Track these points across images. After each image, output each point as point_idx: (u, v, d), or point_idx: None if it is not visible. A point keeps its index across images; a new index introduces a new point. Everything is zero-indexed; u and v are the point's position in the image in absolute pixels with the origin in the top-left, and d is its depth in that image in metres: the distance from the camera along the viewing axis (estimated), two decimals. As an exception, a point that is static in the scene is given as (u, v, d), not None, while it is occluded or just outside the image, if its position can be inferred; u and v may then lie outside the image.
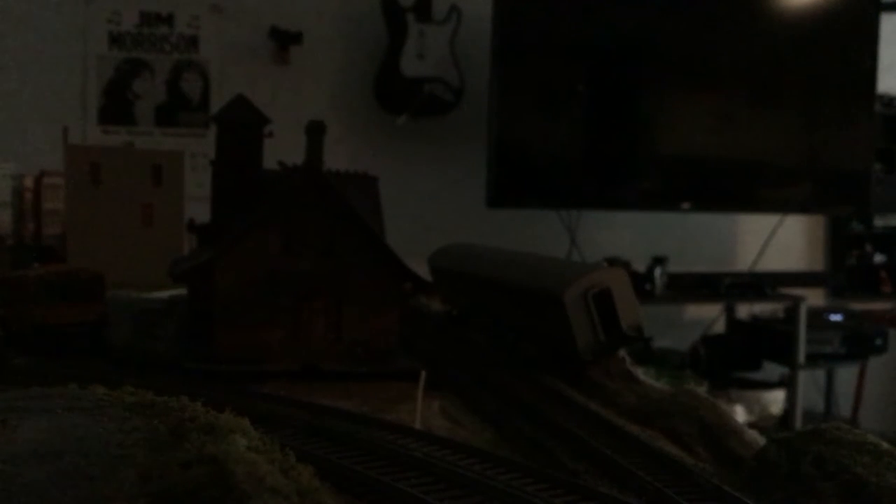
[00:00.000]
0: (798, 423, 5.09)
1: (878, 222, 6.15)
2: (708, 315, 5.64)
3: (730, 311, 5.60)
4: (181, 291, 2.21)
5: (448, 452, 1.22)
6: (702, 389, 1.59)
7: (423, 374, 1.55)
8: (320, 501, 0.88)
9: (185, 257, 2.28)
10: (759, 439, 1.41)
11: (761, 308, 5.60)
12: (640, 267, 4.98)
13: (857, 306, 5.92)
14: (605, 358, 1.81)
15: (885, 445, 1.17)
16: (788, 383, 5.26)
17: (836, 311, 5.70)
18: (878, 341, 5.47)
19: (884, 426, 5.64)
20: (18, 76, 4.95)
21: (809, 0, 5.23)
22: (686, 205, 5.13)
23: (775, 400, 5.27)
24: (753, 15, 5.16)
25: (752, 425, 1.67)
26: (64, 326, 1.83)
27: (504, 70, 4.83)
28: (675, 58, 5.13)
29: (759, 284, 5.32)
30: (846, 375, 5.79)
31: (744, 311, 5.65)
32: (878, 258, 6.19)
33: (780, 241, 5.72)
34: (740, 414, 4.91)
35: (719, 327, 5.63)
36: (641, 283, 4.79)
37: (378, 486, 1.07)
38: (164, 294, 2.49)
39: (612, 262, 4.79)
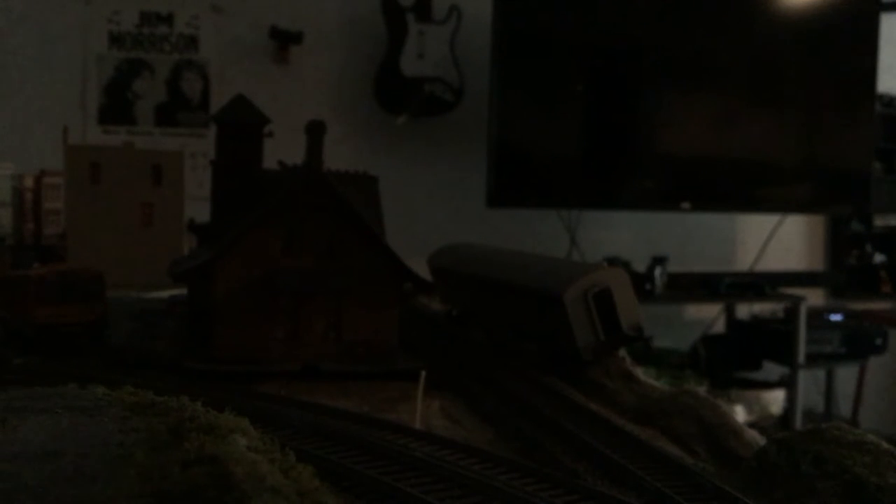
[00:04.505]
0: (798, 423, 5.09)
1: (878, 222, 6.15)
2: (708, 315, 5.64)
3: (730, 311, 5.60)
4: (181, 291, 2.21)
5: (448, 452, 1.22)
6: (702, 389, 1.59)
7: (423, 374, 1.55)
8: (320, 501, 0.88)
9: (185, 257, 2.28)
10: (759, 439, 1.41)
11: (761, 308, 5.60)
12: (640, 267, 4.98)
13: (857, 306, 5.93)
14: (605, 358, 1.81)
15: (885, 445, 1.17)
16: (788, 383, 5.26)
17: (836, 311, 5.71)
18: (878, 341, 5.47)
19: (884, 426, 5.64)
20: (18, 76, 4.95)
21: (809, 0, 5.23)
22: (686, 205, 5.13)
23: (775, 400, 5.27)
24: (753, 15, 5.16)
25: (752, 425, 1.67)
26: (64, 326, 1.83)
27: (504, 70, 4.83)
28: (675, 58, 5.12)
29: (759, 284, 5.31)
30: (846, 375, 5.79)
31: (744, 311, 5.65)
32: (878, 258, 6.19)
33: (780, 241, 5.72)
34: (740, 414, 4.91)
35: (719, 327, 5.63)
36: (641, 283, 4.79)
37: (378, 486, 1.07)
38: (164, 294, 2.49)
39: (612, 262, 4.79)
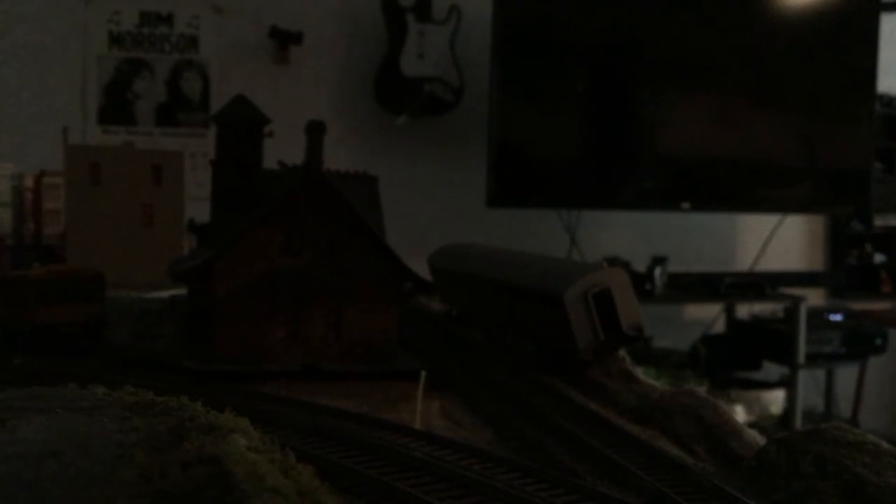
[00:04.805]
0: (798, 423, 5.09)
1: (878, 222, 6.15)
2: (708, 315, 5.64)
3: (730, 311, 5.60)
4: (181, 291, 2.21)
5: (448, 452, 1.22)
6: (702, 389, 1.59)
7: (423, 374, 1.55)
8: (320, 501, 0.88)
9: (185, 257, 2.28)
10: (759, 439, 1.40)
11: (761, 308, 5.60)
12: (640, 267, 4.98)
13: (857, 306, 5.93)
14: (605, 358, 1.81)
15: (885, 445, 1.17)
16: (788, 383, 5.26)
17: (836, 311, 5.71)
18: (878, 341, 5.47)
19: (884, 426, 5.64)
20: (18, 76, 4.95)
21: (809, 0, 5.23)
22: (686, 205, 5.13)
23: (775, 400, 5.27)
24: (753, 15, 5.16)
25: (752, 425, 1.67)
26: (64, 326, 1.83)
27: (504, 70, 4.83)
28: (675, 58, 5.13)
29: (759, 284, 5.32)
30: (846, 375, 5.79)
31: (744, 311, 5.65)
32: (878, 258, 6.19)
33: (780, 241, 5.72)
34: (740, 414, 4.91)
35: (719, 327, 5.64)
36: (641, 283, 4.79)
37: (378, 486, 1.07)
38: (164, 294, 2.49)
39: (612, 262, 4.79)
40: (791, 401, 5.21)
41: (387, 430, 1.32)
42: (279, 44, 5.14)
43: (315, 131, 1.76)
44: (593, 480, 1.18)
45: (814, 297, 5.73)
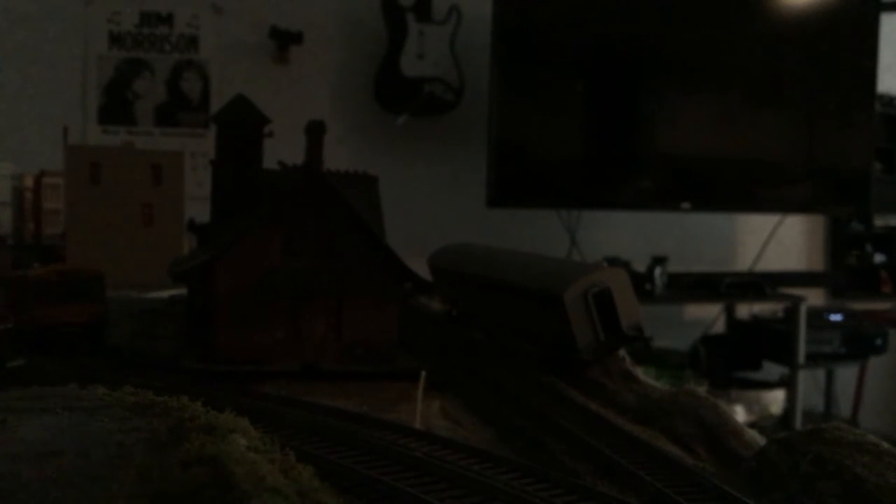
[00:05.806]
0: (798, 423, 5.09)
1: (878, 222, 6.15)
2: (708, 315, 5.64)
3: (730, 311, 5.60)
4: (181, 291, 2.21)
5: (448, 452, 1.22)
6: (702, 389, 1.59)
7: (423, 374, 1.55)
8: (320, 501, 0.88)
9: (185, 257, 2.27)
10: (759, 439, 1.40)
11: (761, 308, 5.60)
12: (640, 267, 4.98)
13: (857, 306, 5.93)
14: (605, 358, 1.81)
15: (885, 445, 1.17)
16: (788, 383, 5.26)
17: (836, 311, 5.71)
18: (878, 341, 5.47)
19: (884, 426, 5.64)
20: (18, 76, 4.95)
21: (809, 0, 5.23)
22: (686, 205, 5.13)
23: (775, 400, 5.27)
24: (753, 15, 5.16)
25: (752, 425, 1.67)
26: (64, 326, 1.83)
27: (504, 70, 4.84)
28: (675, 57, 5.13)
29: (759, 284, 5.32)
30: (846, 375, 5.79)
31: (744, 311, 5.65)
32: (878, 258, 6.19)
33: (780, 241, 5.73)
34: (740, 414, 4.91)
35: (719, 327, 5.64)
36: (641, 283, 4.79)
37: (378, 486, 1.07)
38: (164, 294, 2.49)
39: (612, 262, 4.79)
40: (791, 401, 5.21)
41: (387, 430, 1.32)
42: (279, 44, 5.14)
43: (315, 131, 1.76)
44: (593, 480, 1.18)
45: (814, 297, 5.73)
